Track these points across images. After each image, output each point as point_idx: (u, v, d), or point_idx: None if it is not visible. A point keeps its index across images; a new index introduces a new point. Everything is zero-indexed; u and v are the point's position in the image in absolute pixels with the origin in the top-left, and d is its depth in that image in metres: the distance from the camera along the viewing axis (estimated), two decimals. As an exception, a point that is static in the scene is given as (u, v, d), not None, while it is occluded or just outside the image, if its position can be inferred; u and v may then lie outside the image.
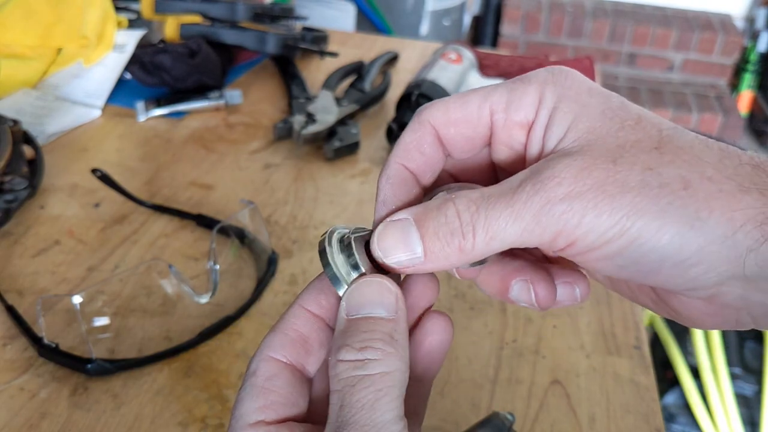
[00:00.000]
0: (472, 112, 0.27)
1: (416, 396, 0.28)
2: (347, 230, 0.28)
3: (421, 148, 0.28)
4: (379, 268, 0.27)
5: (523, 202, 0.24)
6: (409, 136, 0.28)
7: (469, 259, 0.25)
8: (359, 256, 0.27)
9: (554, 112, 0.25)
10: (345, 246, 0.27)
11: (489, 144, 0.28)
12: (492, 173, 0.30)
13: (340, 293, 0.27)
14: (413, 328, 0.28)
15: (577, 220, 0.23)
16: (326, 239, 0.27)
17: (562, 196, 0.23)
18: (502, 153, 0.28)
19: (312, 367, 0.28)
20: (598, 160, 0.23)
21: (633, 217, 0.22)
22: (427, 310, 0.29)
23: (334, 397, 0.24)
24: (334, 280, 0.27)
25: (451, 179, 0.31)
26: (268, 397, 0.26)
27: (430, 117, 0.27)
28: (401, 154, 0.28)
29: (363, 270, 0.27)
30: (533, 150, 0.26)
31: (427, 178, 0.29)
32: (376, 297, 0.26)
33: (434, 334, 0.28)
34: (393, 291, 0.26)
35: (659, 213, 0.22)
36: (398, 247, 0.26)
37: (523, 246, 0.24)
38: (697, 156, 0.23)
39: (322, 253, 0.27)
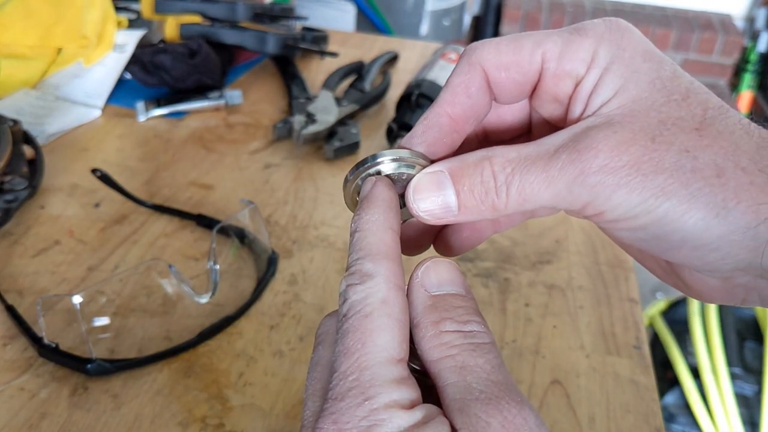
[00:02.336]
0: (525, 56, 0.26)
1: None
2: (385, 158, 0.28)
3: (468, 91, 0.27)
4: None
5: (558, 169, 0.24)
6: (457, 78, 0.27)
7: (498, 215, 0.26)
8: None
9: (605, 73, 0.25)
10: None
11: (532, 94, 0.28)
12: (525, 129, 0.30)
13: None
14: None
15: (607, 194, 0.23)
16: (355, 171, 0.28)
17: (596, 169, 0.23)
18: (545, 104, 0.28)
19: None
20: (637, 136, 0.23)
21: (662, 198, 0.23)
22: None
23: (448, 362, 0.23)
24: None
25: (482, 133, 0.31)
26: (404, 330, 0.24)
27: (481, 59, 0.27)
28: (448, 99, 0.27)
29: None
30: (576, 107, 0.26)
31: (469, 125, 0.28)
32: (453, 276, 0.26)
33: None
34: (461, 273, 0.27)
35: (688, 197, 0.22)
36: (433, 200, 0.26)
37: (551, 210, 0.26)
38: (735, 143, 0.23)
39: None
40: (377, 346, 0.23)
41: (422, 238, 0.31)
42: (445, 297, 0.25)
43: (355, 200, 0.29)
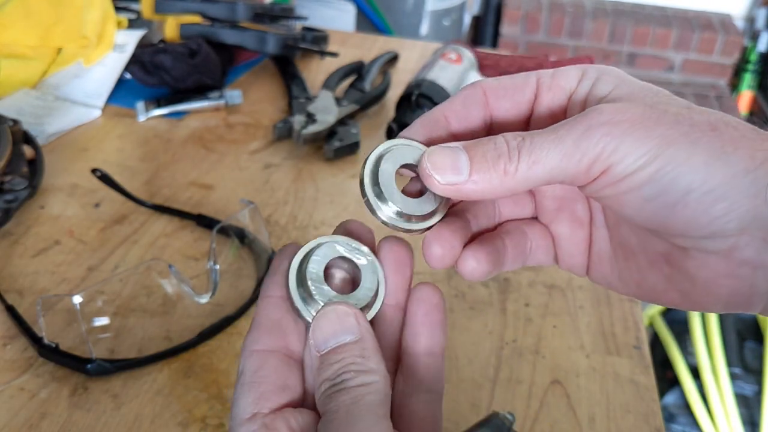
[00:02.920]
0: (520, 80, 0.29)
1: (431, 368, 0.29)
2: (393, 146, 0.29)
3: (466, 101, 0.30)
4: (411, 194, 0.29)
5: (566, 129, 0.26)
6: (459, 93, 0.30)
7: (511, 185, 0.26)
8: (385, 189, 0.28)
9: (596, 82, 0.28)
10: (374, 176, 0.29)
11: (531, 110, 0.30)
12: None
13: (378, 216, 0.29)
14: (405, 305, 0.30)
15: (614, 146, 0.25)
16: (366, 166, 0.29)
17: (603, 122, 0.25)
18: (543, 113, 0.30)
19: (295, 345, 0.29)
20: (636, 104, 0.26)
21: (664, 146, 0.24)
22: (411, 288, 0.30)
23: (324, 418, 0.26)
24: (371, 211, 0.29)
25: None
26: (257, 389, 0.27)
27: (483, 83, 0.30)
28: (446, 104, 0.30)
29: (390, 203, 0.28)
30: (575, 108, 0.28)
31: (458, 125, 0.30)
32: (337, 326, 0.27)
33: (422, 302, 0.29)
34: (350, 313, 0.28)
35: (689, 144, 0.24)
36: (446, 166, 0.27)
37: (561, 179, 0.26)
38: (724, 117, 0.25)
39: (361, 183, 0.29)
40: (234, 413, 0.27)
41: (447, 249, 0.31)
42: (328, 355, 0.27)
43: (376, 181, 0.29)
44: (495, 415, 0.42)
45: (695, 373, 1.17)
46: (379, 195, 0.28)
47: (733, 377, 1.14)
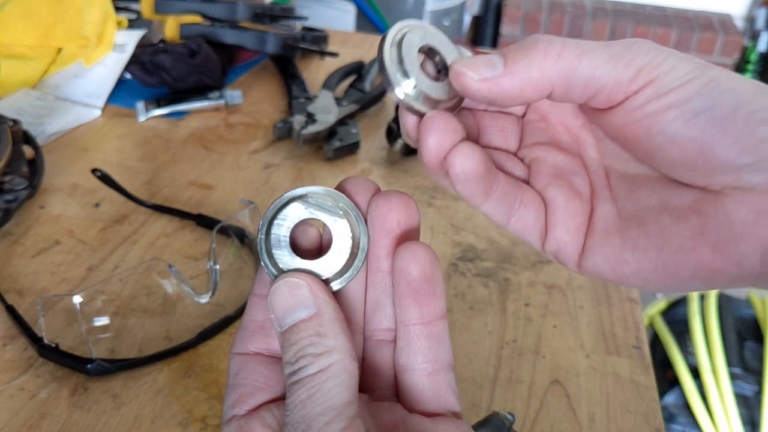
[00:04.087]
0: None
1: (432, 340, 0.27)
2: (421, 32, 0.28)
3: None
4: (430, 76, 0.27)
5: (616, 42, 0.25)
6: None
7: (551, 73, 0.25)
8: (408, 64, 0.27)
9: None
10: (398, 51, 0.27)
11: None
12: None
13: (396, 95, 0.27)
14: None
15: (662, 58, 0.24)
16: (387, 39, 0.27)
17: (650, 43, 0.25)
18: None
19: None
20: None
21: (707, 68, 0.24)
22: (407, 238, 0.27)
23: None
24: (387, 83, 0.27)
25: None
26: (236, 391, 0.27)
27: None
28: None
29: (410, 77, 0.27)
30: None
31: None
32: (290, 300, 0.25)
33: (403, 272, 0.26)
34: (302, 284, 0.26)
35: (730, 73, 0.24)
36: (479, 62, 0.26)
37: (602, 83, 0.25)
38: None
39: (380, 50, 0.27)
40: (223, 412, 0.27)
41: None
42: (286, 334, 0.25)
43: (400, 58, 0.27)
44: (495, 415, 0.42)
45: (695, 373, 1.16)
46: (402, 71, 0.27)
47: (733, 377, 1.14)
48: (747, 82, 0.24)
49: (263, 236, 0.26)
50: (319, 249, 0.28)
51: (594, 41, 0.25)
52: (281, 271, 0.26)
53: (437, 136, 0.26)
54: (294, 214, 0.27)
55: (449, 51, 0.28)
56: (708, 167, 0.24)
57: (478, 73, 0.25)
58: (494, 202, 0.28)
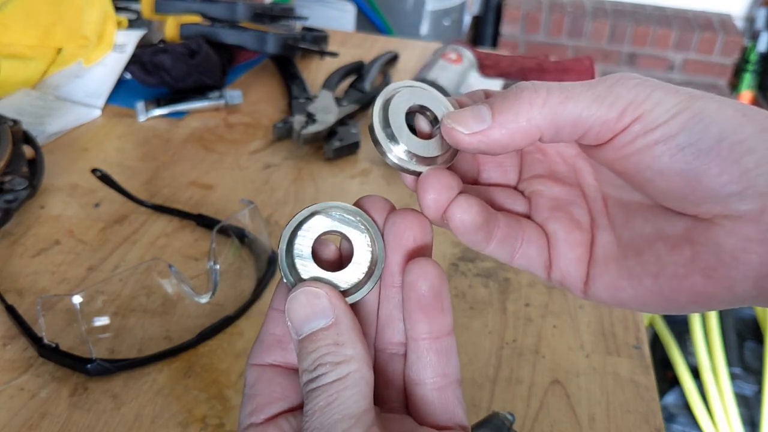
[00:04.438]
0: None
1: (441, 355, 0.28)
2: (408, 92, 0.29)
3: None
4: (422, 135, 0.28)
5: (596, 80, 0.26)
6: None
7: (538, 120, 0.25)
8: (396, 130, 0.28)
9: None
10: (385, 118, 0.28)
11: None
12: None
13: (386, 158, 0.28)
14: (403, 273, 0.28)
15: (647, 94, 0.25)
16: (375, 107, 0.28)
17: (632, 77, 0.25)
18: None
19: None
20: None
21: (693, 99, 0.24)
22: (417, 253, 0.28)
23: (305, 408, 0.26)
24: (380, 152, 0.28)
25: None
26: (253, 401, 0.27)
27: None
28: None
29: (400, 143, 0.27)
30: None
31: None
32: (308, 309, 0.26)
33: (418, 278, 0.27)
34: (321, 293, 0.26)
35: (717, 101, 0.24)
36: (467, 116, 0.26)
37: (589, 125, 0.25)
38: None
39: (371, 129, 0.28)
40: (238, 423, 0.28)
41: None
42: (303, 342, 0.26)
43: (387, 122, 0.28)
44: (495, 415, 0.42)
45: (695, 373, 1.16)
46: (390, 136, 0.28)
47: (733, 377, 1.14)
48: (733, 111, 0.24)
49: (284, 246, 0.27)
50: (337, 262, 0.29)
51: (577, 82, 0.26)
52: (300, 280, 0.27)
53: (434, 194, 0.27)
54: (318, 226, 0.28)
55: (438, 105, 0.29)
56: (696, 197, 0.24)
57: (467, 127, 0.26)
58: (496, 245, 0.29)
